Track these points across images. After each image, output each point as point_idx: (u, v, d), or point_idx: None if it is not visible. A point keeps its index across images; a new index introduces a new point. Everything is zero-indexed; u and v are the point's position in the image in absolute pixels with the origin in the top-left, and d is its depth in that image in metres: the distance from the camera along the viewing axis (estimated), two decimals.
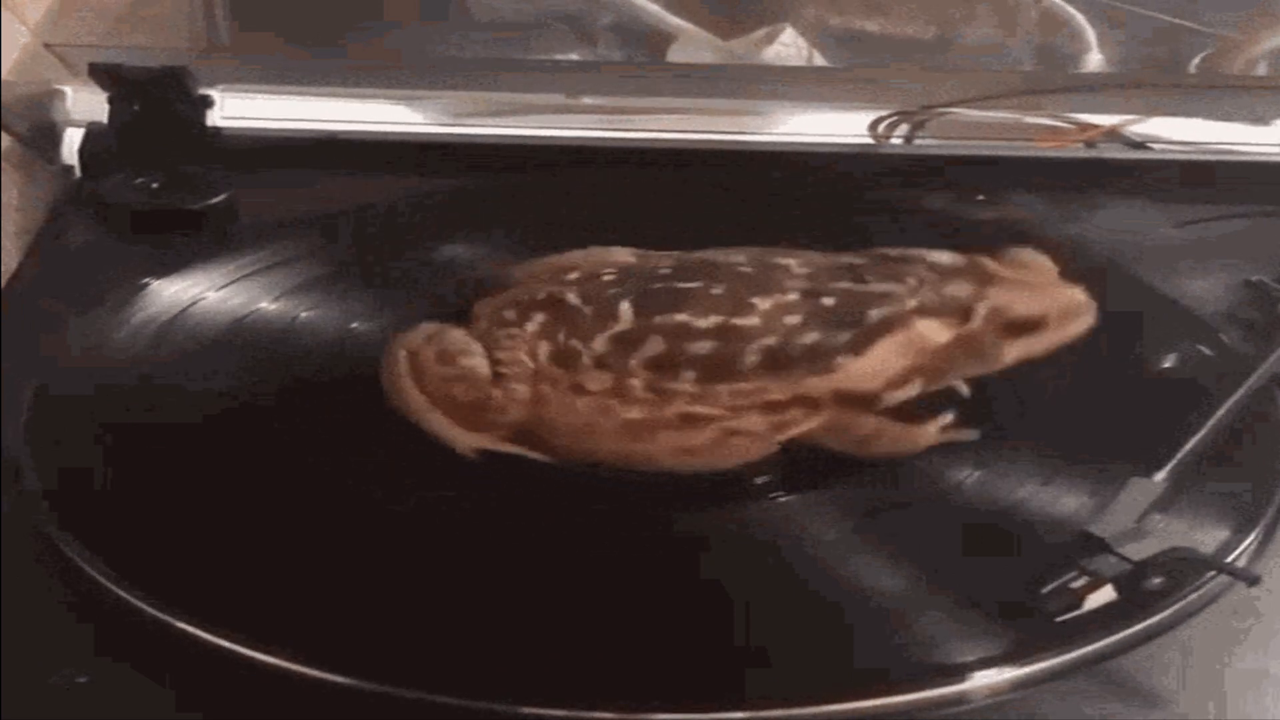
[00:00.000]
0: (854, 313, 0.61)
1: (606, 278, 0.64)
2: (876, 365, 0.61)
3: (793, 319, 0.61)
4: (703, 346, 0.60)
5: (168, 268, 0.74)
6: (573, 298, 0.63)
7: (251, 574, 0.55)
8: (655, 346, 0.61)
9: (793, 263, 0.63)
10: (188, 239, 0.78)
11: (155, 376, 0.67)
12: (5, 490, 0.59)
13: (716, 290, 0.62)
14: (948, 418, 0.62)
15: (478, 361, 0.63)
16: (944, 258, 0.63)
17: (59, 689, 0.50)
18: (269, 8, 0.99)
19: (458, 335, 0.64)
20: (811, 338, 0.60)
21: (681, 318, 0.61)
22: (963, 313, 0.61)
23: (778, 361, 0.60)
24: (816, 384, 0.60)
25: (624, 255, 0.67)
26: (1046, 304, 0.61)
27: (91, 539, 0.56)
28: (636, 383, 0.60)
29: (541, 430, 0.61)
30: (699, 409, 0.60)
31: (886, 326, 0.61)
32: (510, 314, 0.64)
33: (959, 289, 0.61)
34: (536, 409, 0.61)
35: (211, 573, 0.55)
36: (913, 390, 0.61)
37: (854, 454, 0.61)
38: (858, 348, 0.60)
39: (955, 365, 0.62)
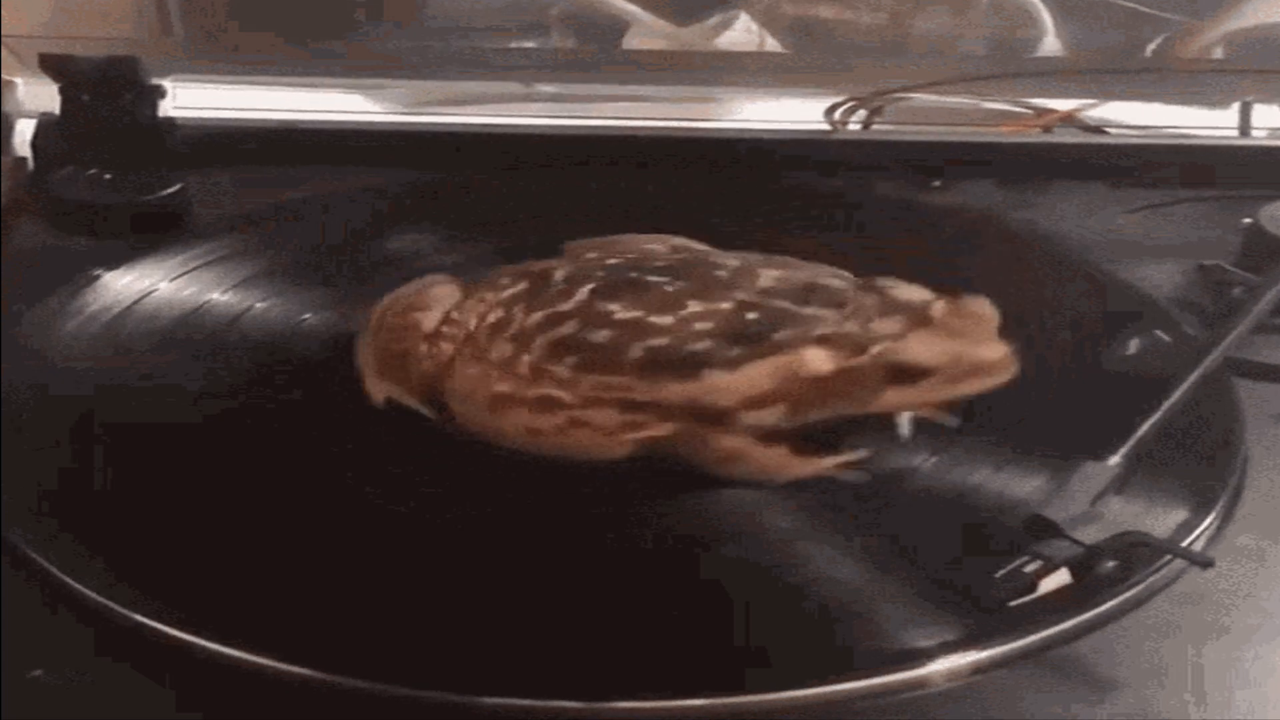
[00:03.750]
0: (762, 331, 0.60)
1: (610, 261, 0.64)
2: (740, 383, 0.59)
3: (703, 326, 0.60)
4: (601, 335, 0.60)
5: (119, 260, 0.73)
6: (558, 275, 0.63)
7: (229, 572, 0.54)
8: (567, 329, 0.61)
9: (770, 273, 0.62)
10: (140, 231, 0.78)
11: (106, 370, 0.66)
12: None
13: (670, 287, 0.62)
14: (848, 456, 0.60)
15: (428, 317, 0.63)
16: (905, 292, 0.61)
17: (59, 689, 0.50)
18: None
19: (440, 290, 0.65)
20: (701, 346, 0.60)
21: (611, 306, 0.61)
22: (857, 348, 0.59)
23: (655, 363, 0.59)
24: (674, 390, 0.59)
25: (658, 243, 0.66)
26: (945, 358, 0.60)
27: (77, 539, 0.55)
28: (527, 358, 0.60)
29: (442, 391, 0.62)
30: (556, 393, 0.59)
31: (776, 348, 0.59)
32: (504, 280, 0.64)
33: (883, 325, 0.60)
34: (446, 370, 0.61)
35: (194, 572, 0.54)
36: (774, 415, 0.59)
37: (712, 471, 0.59)
38: (734, 364, 0.59)
39: (828, 398, 0.60)
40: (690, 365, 0.59)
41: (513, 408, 0.60)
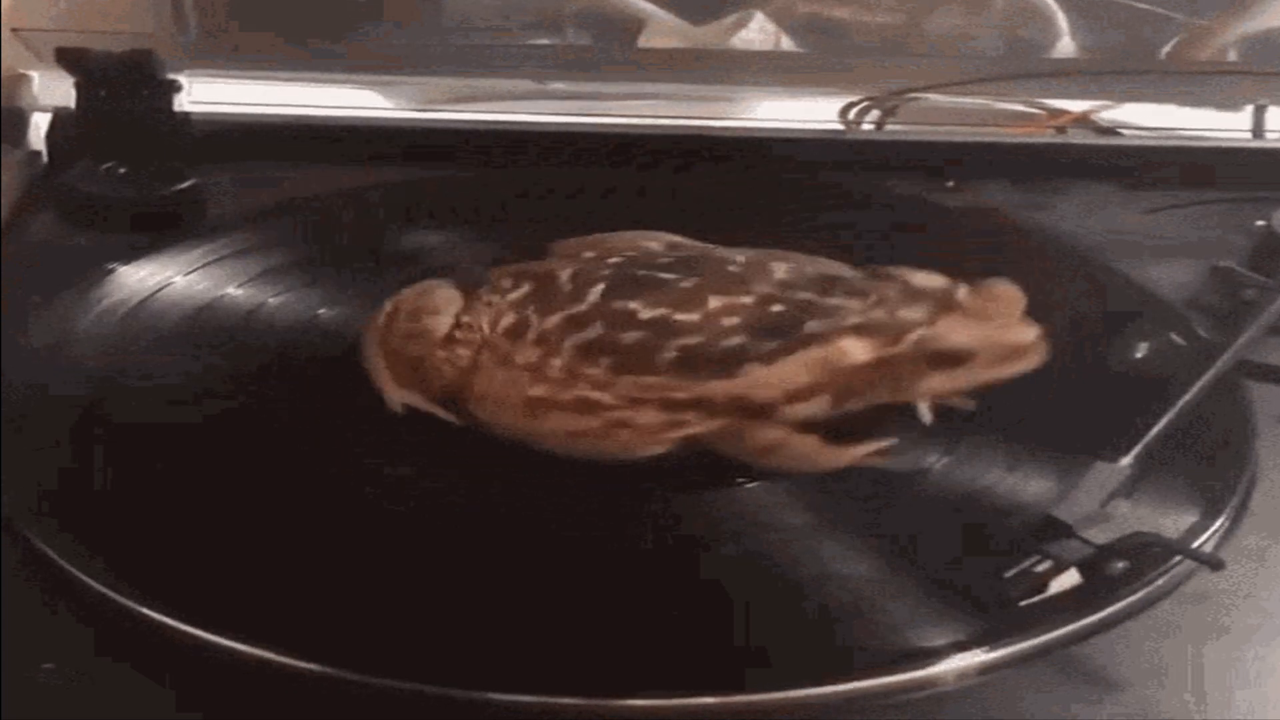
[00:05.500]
0: (792, 323, 0.60)
1: (611, 260, 0.64)
2: (781, 376, 0.59)
3: (731, 321, 0.60)
4: (631, 336, 0.60)
5: (134, 254, 0.73)
6: (563, 275, 0.63)
7: (233, 571, 0.54)
8: (593, 331, 0.60)
9: (780, 266, 0.62)
10: (155, 225, 0.78)
11: (120, 364, 0.66)
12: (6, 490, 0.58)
13: (687, 284, 0.61)
14: (878, 445, 0.60)
15: (440, 321, 0.63)
16: (922, 280, 0.61)
17: (59, 687, 0.50)
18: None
19: (443, 294, 0.64)
20: (735, 341, 0.59)
21: (632, 305, 0.61)
22: (894, 337, 0.59)
23: (691, 361, 0.59)
24: (717, 388, 0.59)
25: (653, 240, 0.66)
26: (981, 341, 0.59)
27: (79, 537, 0.55)
28: (557, 362, 0.60)
29: (466, 396, 0.62)
30: (595, 395, 0.60)
31: (810, 340, 0.59)
32: (506, 282, 0.64)
33: (911, 313, 0.59)
34: (469, 375, 0.62)
35: (193, 566, 0.54)
36: (817, 407, 0.60)
37: (751, 463, 0.59)
38: (771, 357, 0.59)
39: (870, 387, 0.60)
40: (728, 362, 0.59)
41: (550, 411, 0.60)
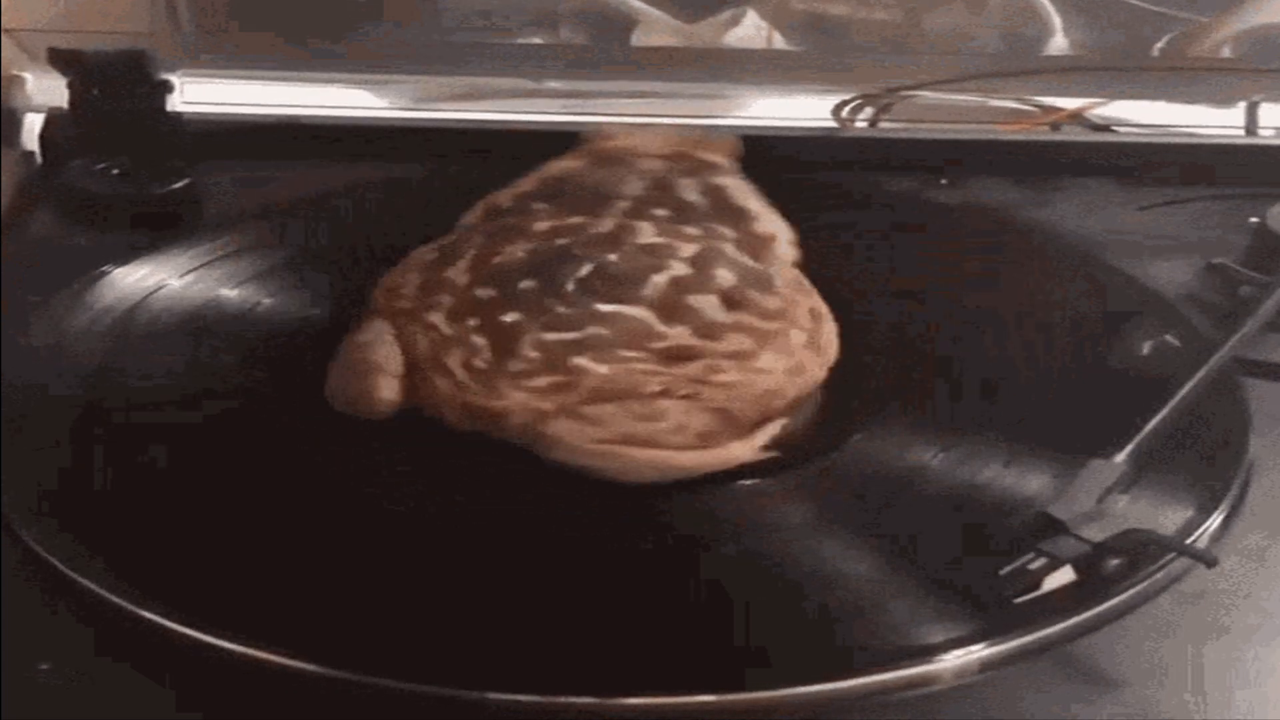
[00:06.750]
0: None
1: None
2: None
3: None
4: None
5: (128, 255, 0.73)
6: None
7: (234, 571, 0.54)
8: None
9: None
10: (149, 225, 0.78)
11: (119, 363, 0.66)
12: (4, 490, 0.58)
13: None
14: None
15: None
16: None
17: (59, 688, 0.50)
18: None
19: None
20: None
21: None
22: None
23: None
24: None
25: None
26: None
27: (78, 538, 0.55)
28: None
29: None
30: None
31: None
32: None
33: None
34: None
35: (192, 567, 0.54)
36: None
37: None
38: None
39: None
40: None
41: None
